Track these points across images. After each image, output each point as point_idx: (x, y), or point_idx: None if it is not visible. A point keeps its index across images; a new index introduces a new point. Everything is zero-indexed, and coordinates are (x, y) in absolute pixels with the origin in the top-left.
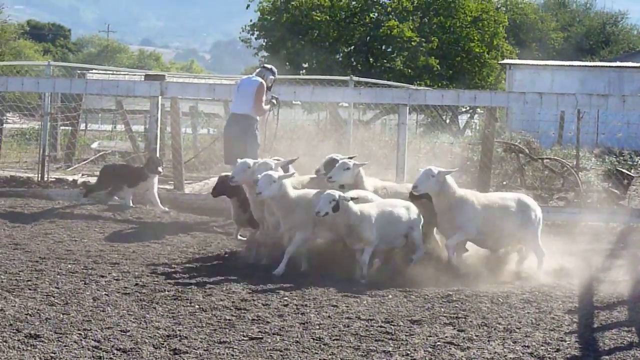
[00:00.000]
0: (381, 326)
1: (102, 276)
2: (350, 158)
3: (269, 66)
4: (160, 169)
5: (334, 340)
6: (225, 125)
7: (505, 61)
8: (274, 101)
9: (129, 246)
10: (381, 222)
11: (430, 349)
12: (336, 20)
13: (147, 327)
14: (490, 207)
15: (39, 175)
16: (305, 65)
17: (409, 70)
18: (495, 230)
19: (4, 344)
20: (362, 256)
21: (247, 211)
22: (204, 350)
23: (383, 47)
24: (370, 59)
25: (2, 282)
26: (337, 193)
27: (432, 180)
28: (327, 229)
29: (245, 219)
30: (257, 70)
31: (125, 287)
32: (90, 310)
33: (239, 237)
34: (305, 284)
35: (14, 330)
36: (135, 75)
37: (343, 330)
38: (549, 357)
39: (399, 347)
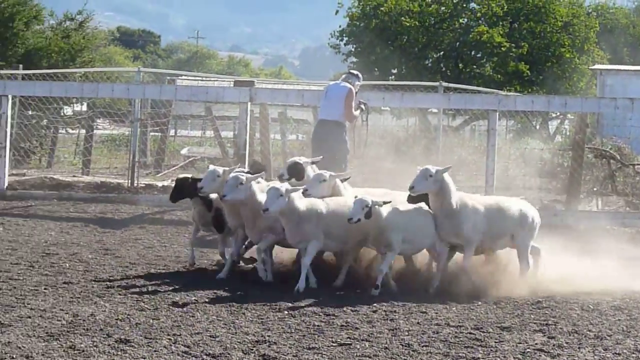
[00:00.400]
0: (470, 333)
1: (192, 281)
2: (314, 162)
3: (355, 72)
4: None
5: (423, 346)
6: (314, 131)
7: (596, 67)
8: (363, 107)
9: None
10: (411, 228)
11: (519, 356)
12: (425, 25)
13: (236, 333)
14: (491, 210)
15: (129, 181)
16: (394, 71)
17: (499, 76)
18: (494, 233)
19: (95, 348)
20: (381, 264)
21: (211, 210)
22: (293, 356)
23: (472, 53)
24: (460, 65)
25: (93, 287)
26: (369, 198)
27: (430, 180)
28: (357, 235)
29: (209, 220)
30: (344, 75)
31: (215, 293)
32: (180, 316)
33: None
34: (392, 292)
35: (105, 335)
36: (224, 81)
37: (432, 337)
38: None
39: (488, 354)
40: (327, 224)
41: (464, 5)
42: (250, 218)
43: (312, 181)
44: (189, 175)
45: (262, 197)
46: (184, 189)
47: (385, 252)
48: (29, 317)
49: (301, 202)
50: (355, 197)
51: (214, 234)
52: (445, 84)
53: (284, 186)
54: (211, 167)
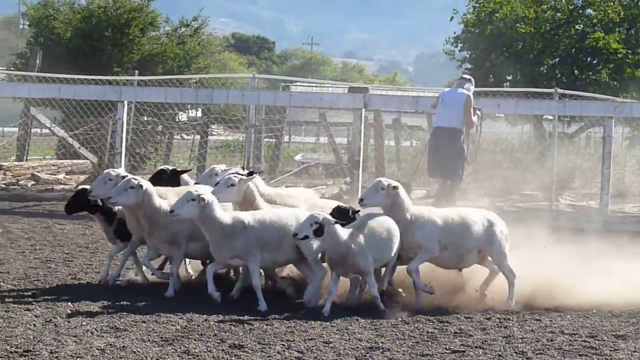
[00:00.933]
0: (585, 341)
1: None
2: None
3: (467, 76)
4: None
5: (537, 354)
6: (431, 138)
7: None
8: (478, 112)
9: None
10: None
11: None
12: (541, 32)
13: (349, 339)
14: (450, 222)
15: None
16: (509, 78)
17: (615, 83)
18: (458, 246)
19: (209, 353)
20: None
21: (112, 224)
22: None
23: (588, 59)
24: (575, 71)
25: (206, 293)
26: (322, 215)
27: (382, 193)
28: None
29: (112, 234)
30: (458, 80)
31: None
32: (294, 321)
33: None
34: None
35: (219, 340)
36: (338, 87)
37: (546, 345)
38: None
39: None
40: (259, 237)
41: (580, 11)
42: (148, 226)
43: (219, 185)
44: (88, 186)
45: (159, 203)
46: (81, 200)
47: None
48: (144, 322)
49: (223, 212)
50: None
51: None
52: (560, 90)
53: (201, 190)
54: (110, 171)
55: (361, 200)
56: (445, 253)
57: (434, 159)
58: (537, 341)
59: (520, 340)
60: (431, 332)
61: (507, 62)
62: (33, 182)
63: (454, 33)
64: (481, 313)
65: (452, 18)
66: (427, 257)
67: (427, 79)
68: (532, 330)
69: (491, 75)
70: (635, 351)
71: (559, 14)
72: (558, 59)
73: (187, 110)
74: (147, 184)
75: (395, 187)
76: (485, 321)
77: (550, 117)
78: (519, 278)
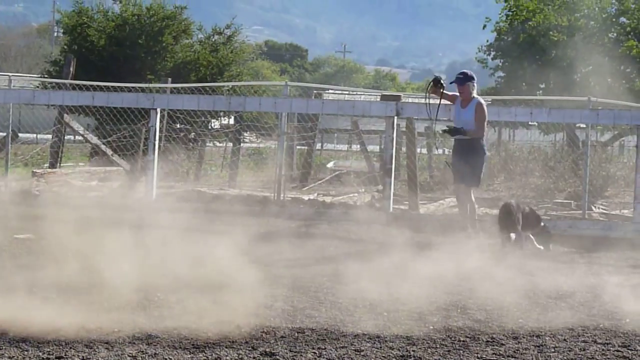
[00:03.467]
0: (618, 350)
1: (335, 295)
2: None
3: (470, 73)
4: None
5: None
6: (454, 145)
7: None
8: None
9: (366, 265)
10: None
11: None
12: (574, 40)
13: (381, 347)
14: None
15: (276, 194)
16: (542, 86)
17: None
18: None
19: None
20: None
21: None
22: None
23: (622, 67)
24: (609, 80)
25: (237, 299)
26: None
27: None
28: None
29: None
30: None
31: (356, 306)
32: (325, 329)
33: None
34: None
35: (250, 348)
36: (371, 95)
37: (579, 354)
38: None
39: None
40: None
41: (614, 19)
42: None
43: None
44: None
45: None
46: None
47: None
48: (175, 329)
49: None
50: None
51: None
52: (593, 98)
53: None
54: None
55: None
56: None
57: (456, 167)
58: (569, 350)
59: (553, 350)
60: (463, 341)
61: (540, 71)
62: (66, 189)
63: (487, 41)
64: (513, 322)
65: (484, 26)
66: None
67: None
68: (564, 340)
69: (524, 84)
70: None
71: (592, 22)
72: (591, 67)
73: (219, 118)
74: None
75: None
76: (517, 330)
77: (584, 126)
78: None
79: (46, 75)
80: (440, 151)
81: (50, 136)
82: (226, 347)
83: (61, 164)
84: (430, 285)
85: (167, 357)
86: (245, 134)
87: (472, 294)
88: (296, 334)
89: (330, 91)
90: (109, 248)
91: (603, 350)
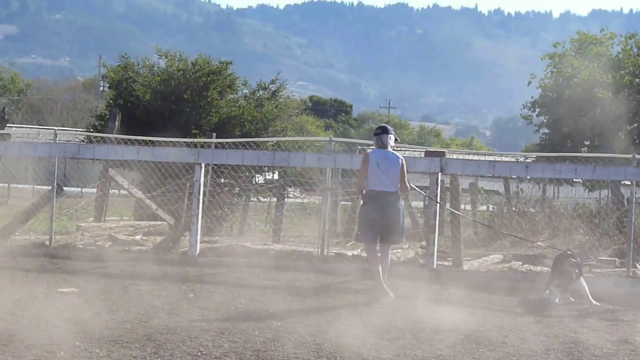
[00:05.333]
0: None
1: (379, 352)
2: None
3: (387, 126)
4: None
5: None
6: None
7: None
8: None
9: (410, 322)
10: None
11: None
12: (619, 97)
13: None
14: None
15: (319, 249)
16: (587, 143)
17: None
18: None
19: None
20: None
21: None
22: None
23: None
24: None
25: (280, 356)
26: None
27: None
28: None
29: None
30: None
31: (416, 355)
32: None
33: None
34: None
35: None
36: (415, 151)
37: None
38: None
39: None
40: None
41: None
42: None
43: None
44: None
45: None
46: None
47: None
48: None
49: None
50: None
51: None
52: (638, 156)
53: None
54: None
55: None
56: None
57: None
58: None
59: None
60: None
61: (584, 127)
62: (110, 243)
63: (532, 97)
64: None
65: (529, 83)
66: None
67: (505, 144)
68: None
69: (569, 140)
70: None
71: (637, 79)
72: (636, 124)
73: (264, 173)
74: None
75: None
76: None
77: (628, 183)
78: None
79: (91, 129)
80: (484, 207)
81: (95, 190)
82: None
83: (106, 218)
84: (474, 342)
85: None
86: (289, 189)
87: (516, 350)
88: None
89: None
90: (148, 303)
91: None
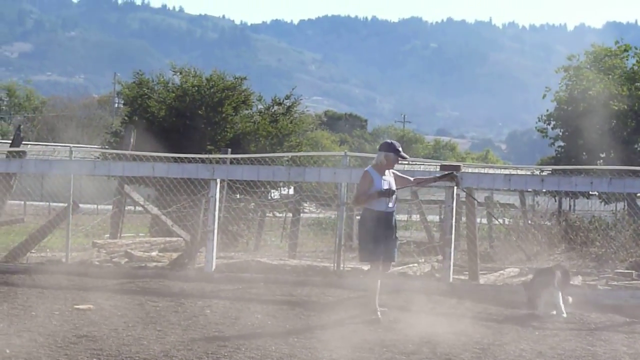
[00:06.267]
0: None
1: None
2: None
3: (388, 141)
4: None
5: None
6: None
7: None
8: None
9: (427, 336)
10: None
11: None
12: (635, 109)
13: None
14: None
15: (335, 264)
16: (603, 155)
17: None
18: None
19: None
20: None
21: None
22: None
23: None
24: None
25: None
26: None
27: None
28: None
29: None
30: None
31: None
32: None
33: None
34: None
35: None
36: (430, 165)
37: None
38: None
39: None
40: None
41: None
42: None
43: None
44: None
45: None
46: None
47: None
48: None
49: None
50: None
51: None
52: None
53: None
54: None
55: None
56: None
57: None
58: None
59: None
60: None
61: (600, 140)
62: (126, 260)
63: (547, 110)
64: None
65: (544, 95)
66: None
67: (520, 157)
68: None
69: (584, 153)
70: None
71: None
72: None
73: (279, 188)
74: None
75: None
76: None
77: None
78: None
79: (107, 146)
80: (501, 221)
81: (110, 207)
82: None
83: (121, 235)
84: (492, 356)
85: None
86: (305, 204)
87: None
88: None
89: None
90: (165, 319)
91: None
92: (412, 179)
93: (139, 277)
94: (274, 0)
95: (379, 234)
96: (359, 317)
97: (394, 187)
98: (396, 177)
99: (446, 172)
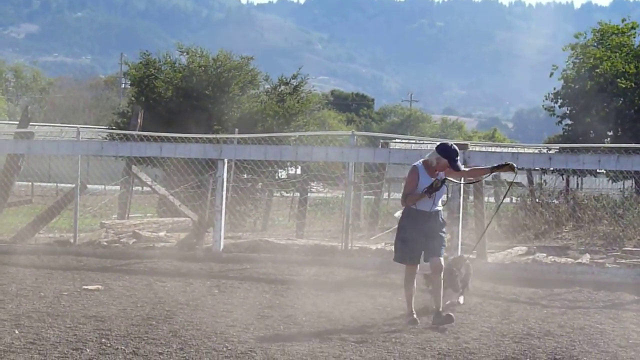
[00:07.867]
0: None
1: (404, 345)
2: None
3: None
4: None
5: None
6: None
7: None
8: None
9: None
10: None
11: None
12: None
13: None
14: None
15: (343, 243)
16: (610, 133)
17: None
18: None
19: None
20: None
21: None
22: None
23: None
24: None
25: (304, 349)
26: None
27: None
28: None
29: None
30: None
31: (441, 348)
32: None
33: None
34: None
35: None
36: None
37: None
38: None
39: None
40: None
41: None
42: None
43: None
44: None
45: None
46: None
47: None
48: None
49: None
50: None
51: None
52: None
53: None
54: None
55: None
56: None
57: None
58: None
59: None
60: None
61: (607, 118)
62: (134, 240)
63: (554, 89)
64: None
65: (551, 74)
66: None
67: (527, 135)
68: None
69: (592, 131)
70: None
71: None
72: None
73: (286, 168)
74: None
75: None
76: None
77: None
78: None
79: (114, 127)
80: (508, 200)
81: (118, 187)
82: None
83: (129, 215)
84: (500, 334)
85: None
86: (312, 184)
87: (542, 342)
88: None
89: (397, 140)
90: (173, 299)
91: None
92: (467, 169)
93: (147, 258)
94: None
95: (414, 235)
96: (367, 296)
97: (439, 188)
98: (448, 171)
99: (504, 163)
